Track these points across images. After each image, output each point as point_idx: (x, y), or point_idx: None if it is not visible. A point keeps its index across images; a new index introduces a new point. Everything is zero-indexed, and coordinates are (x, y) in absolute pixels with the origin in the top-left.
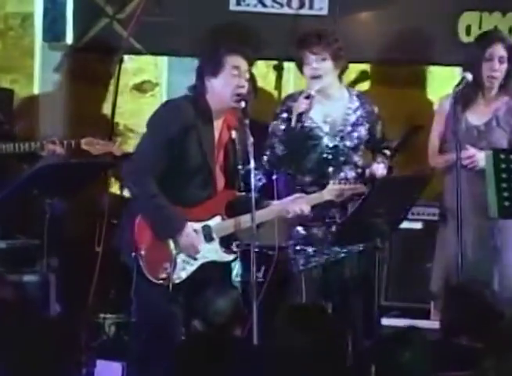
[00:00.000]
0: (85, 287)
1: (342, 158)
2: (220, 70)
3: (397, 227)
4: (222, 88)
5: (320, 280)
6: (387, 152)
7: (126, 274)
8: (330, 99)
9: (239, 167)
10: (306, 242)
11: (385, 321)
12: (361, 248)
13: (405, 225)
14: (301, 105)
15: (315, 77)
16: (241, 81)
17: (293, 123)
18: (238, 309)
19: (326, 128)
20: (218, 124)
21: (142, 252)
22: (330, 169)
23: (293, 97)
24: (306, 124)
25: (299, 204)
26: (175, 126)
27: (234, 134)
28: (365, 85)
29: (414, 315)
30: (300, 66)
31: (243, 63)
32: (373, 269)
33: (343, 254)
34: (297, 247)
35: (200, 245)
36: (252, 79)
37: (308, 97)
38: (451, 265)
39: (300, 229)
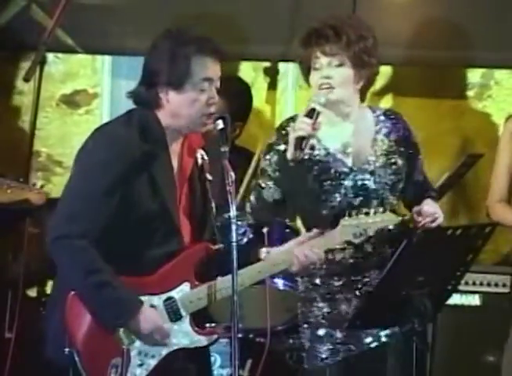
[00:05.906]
0: None
1: (375, 201)
2: (184, 82)
3: (443, 303)
4: (185, 108)
5: None
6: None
7: None
8: (347, 121)
9: (213, 205)
10: (332, 322)
11: None
12: (389, 333)
13: (455, 299)
14: (300, 125)
15: (325, 88)
16: (212, 93)
17: (289, 154)
18: None
19: (349, 162)
20: (175, 148)
21: (80, 346)
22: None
23: (294, 121)
24: (317, 157)
25: (311, 248)
26: (116, 164)
27: (200, 157)
28: (392, 96)
29: None
30: (306, 73)
31: (216, 71)
32: (410, 363)
33: (372, 345)
34: (320, 332)
35: (166, 326)
36: (245, 93)
37: (310, 114)
38: None
39: (320, 301)
